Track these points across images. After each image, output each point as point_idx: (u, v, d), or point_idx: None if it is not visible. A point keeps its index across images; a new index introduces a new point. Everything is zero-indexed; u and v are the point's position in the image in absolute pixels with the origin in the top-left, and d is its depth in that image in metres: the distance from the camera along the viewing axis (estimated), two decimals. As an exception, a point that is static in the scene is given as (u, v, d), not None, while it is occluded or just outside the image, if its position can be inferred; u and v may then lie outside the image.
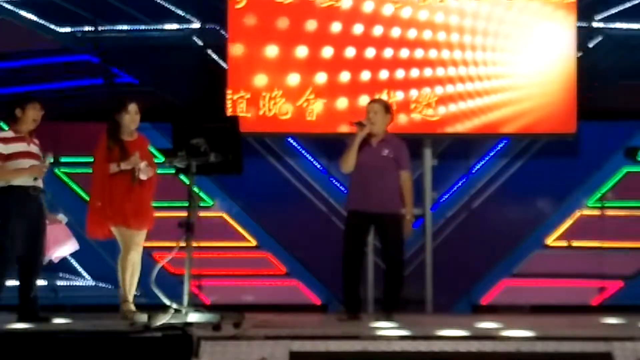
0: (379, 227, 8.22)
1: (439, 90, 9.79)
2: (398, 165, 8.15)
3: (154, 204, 7.94)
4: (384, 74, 9.81)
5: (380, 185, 8.08)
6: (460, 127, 9.79)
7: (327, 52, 9.83)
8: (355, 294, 8.18)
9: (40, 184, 7.62)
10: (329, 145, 9.77)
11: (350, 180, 8.32)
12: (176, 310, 6.58)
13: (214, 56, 10.23)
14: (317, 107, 9.78)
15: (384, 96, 9.57)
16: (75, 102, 10.17)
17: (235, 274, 10.04)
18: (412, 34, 9.81)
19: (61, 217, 8.06)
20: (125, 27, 10.28)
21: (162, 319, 6.42)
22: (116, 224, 7.71)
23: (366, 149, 8.19)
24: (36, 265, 7.62)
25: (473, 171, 10.22)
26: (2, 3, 10.24)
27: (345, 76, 9.81)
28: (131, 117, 7.77)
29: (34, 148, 7.60)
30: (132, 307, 7.64)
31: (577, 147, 10.06)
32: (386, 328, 6.92)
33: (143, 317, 6.59)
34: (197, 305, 7.07)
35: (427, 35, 9.81)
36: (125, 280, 7.71)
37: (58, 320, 7.40)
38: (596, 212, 10.11)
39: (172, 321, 6.42)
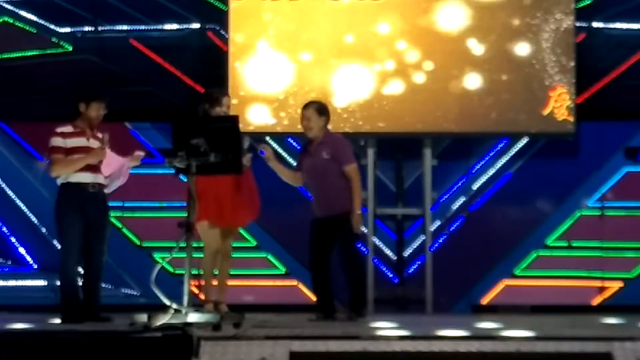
0: (335, 230, 8.07)
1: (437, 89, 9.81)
2: (339, 163, 8.00)
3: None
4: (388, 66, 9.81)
5: (325, 189, 7.97)
6: (460, 127, 9.79)
7: (328, 51, 9.83)
8: (325, 297, 8.06)
9: (101, 179, 7.49)
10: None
11: None
12: (176, 310, 6.58)
13: (214, 56, 10.23)
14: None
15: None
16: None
17: (235, 274, 10.01)
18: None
19: (137, 154, 7.71)
20: (125, 27, 10.28)
21: (162, 319, 6.42)
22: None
23: (308, 155, 8.07)
24: (97, 267, 7.58)
25: (473, 171, 10.21)
26: (2, 3, 10.24)
27: (345, 76, 9.81)
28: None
29: (94, 143, 7.47)
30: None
31: (577, 147, 10.06)
32: (386, 328, 6.93)
33: (143, 317, 6.59)
34: (197, 305, 7.06)
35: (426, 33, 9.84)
36: None
37: (58, 320, 7.39)
38: (596, 212, 10.10)
39: (172, 321, 6.42)
